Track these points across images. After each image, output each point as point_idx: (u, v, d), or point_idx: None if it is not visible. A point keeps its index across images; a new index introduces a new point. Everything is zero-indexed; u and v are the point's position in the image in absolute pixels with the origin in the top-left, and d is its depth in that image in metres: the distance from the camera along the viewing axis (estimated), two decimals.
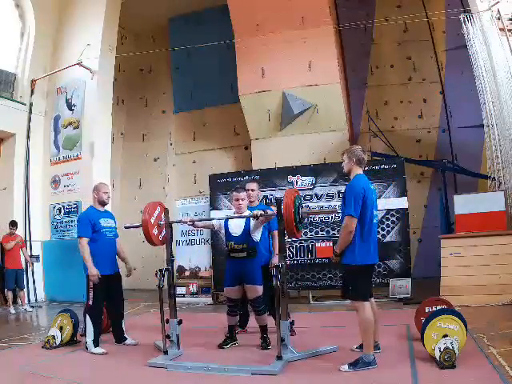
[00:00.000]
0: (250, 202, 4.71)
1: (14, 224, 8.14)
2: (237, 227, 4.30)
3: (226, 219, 4.43)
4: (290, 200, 3.78)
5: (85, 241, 4.56)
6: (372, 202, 3.62)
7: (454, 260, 6.28)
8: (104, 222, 4.72)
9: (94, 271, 4.47)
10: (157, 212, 4.43)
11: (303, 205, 4.14)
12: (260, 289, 4.26)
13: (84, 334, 5.10)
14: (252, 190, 4.78)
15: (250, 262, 4.24)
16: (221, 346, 4.34)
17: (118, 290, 4.84)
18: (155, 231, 4.36)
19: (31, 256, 8.76)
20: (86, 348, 4.43)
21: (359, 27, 9.66)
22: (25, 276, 8.40)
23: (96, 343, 4.44)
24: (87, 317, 4.50)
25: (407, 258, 7.29)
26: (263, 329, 4.33)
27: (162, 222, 4.41)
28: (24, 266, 8.24)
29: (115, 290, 4.78)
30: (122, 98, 12.26)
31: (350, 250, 3.57)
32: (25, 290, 8.32)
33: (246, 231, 4.25)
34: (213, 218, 5.03)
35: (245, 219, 4.27)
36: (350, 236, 3.53)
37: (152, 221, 4.33)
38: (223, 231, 4.43)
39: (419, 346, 3.75)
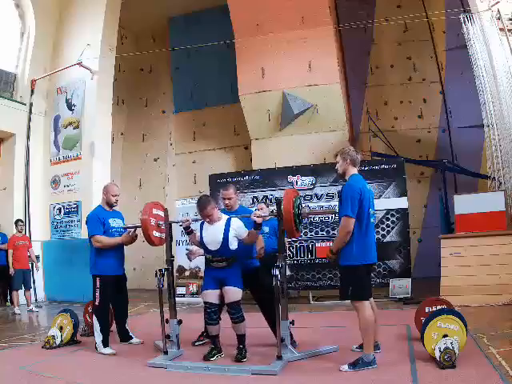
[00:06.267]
0: (228, 209, 4.35)
1: (20, 220, 8.23)
2: (213, 242, 3.98)
3: (201, 230, 4.09)
4: (290, 200, 3.77)
5: (98, 237, 4.52)
6: (369, 202, 3.61)
7: (453, 260, 6.28)
8: (113, 222, 4.71)
9: (126, 238, 4.55)
10: (156, 212, 4.42)
11: (303, 205, 4.12)
12: (239, 292, 3.95)
13: (84, 335, 5.14)
14: (229, 199, 4.34)
15: (230, 268, 3.98)
16: (206, 358, 3.89)
17: (124, 291, 4.85)
18: (155, 231, 4.35)
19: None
20: (96, 348, 4.42)
21: (359, 27, 9.66)
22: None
23: (105, 343, 4.44)
24: (94, 317, 4.49)
25: (407, 258, 7.30)
26: (240, 339, 3.96)
27: (161, 223, 4.39)
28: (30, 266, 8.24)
29: (121, 290, 4.79)
30: (122, 98, 12.27)
31: (348, 250, 3.57)
32: (31, 290, 8.31)
33: (225, 244, 3.93)
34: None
35: (222, 232, 3.94)
36: (347, 236, 3.52)
37: (151, 221, 4.32)
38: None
39: (419, 346, 3.75)
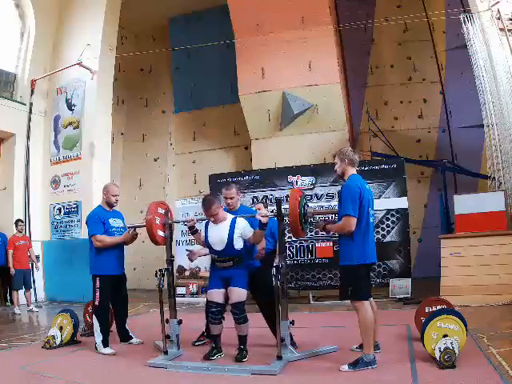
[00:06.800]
0: (230, 208, 4.32)
1: (21, 220, 8.24)
2: (218, 242, 3.99)
3: (206, 229, 4.10)
4: (295, 200, 3.77)
5: (99, 236, 4.52)
6: (368, 202, 3.61)
7: (454, 260, 6.28)
8: (113, 222, 4.71)
9: (126, 237, 4.56)
10: (161, 211, 4.41)
11: (307, 205, 4.11)
12: (243, 293, 3.93)
13: (84, 335, 5.14)
14: (231, 199, 4.29)
15: (236, 269, 3.99)
16: (207, 358, 3.93)
17: (124, 291, 4.85)
18: (159, 231, 4.33)
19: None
20: (96, 348, 4.41)
21: (359, 27, 9.66)
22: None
23: (105, 343, 4.43)
24: (94, 317, 4.49)
25: (407, 258, 7.29)
26: (241, 339, 3.97)
27: (168, 222, 4.38)
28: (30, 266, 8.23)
29: (121, 290, 4.79)
30: (122, 98, 12.26)
31: (348, 250, 3.57)
32: (31, 290, 8.31)
33: (230, 244, 3.95)
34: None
35: (227, 232, 3.96)
36: (347, 234, 3.53)
37: (157, 220, 4.31)
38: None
39: (419, 346, 3.75)
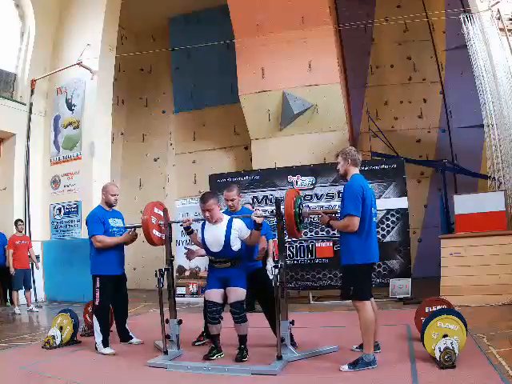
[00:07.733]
0: (232, 210, 4.31)
1: (20, 220, 8.25)
2: (215, 243, 3.96)
3: (202, 231, 4.07)
4: (290, 200, 3.77)
5: (99, 236, 4.51)
6: (371, 201, 3.61)
7: (454, 260, 6.28)
8: (113, 222, 4.70)
9: (126, 237, 4.56)
10: (158, 212, 4.41)
11: (303, 204, 4.11)
12: (242, 292, 3.92)
13: (84, 335, 5.14)
14: (232, 200, 4.29)
15: (234, 268, 3.98)
16: (207, 358, 3.91)
17: (124, 290, 4.85)
18: (155, 231, 4.34)
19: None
20: (96, 348, 4.41)
21: (359, 27, 9.66)
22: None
23: (105, 343, 4.43)
24: (94, 317, 4.48)
25: (407, 258, 7.30)
26: (241, 339, 3.95)
27: (162, 222, 4.39)
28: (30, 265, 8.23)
29: (121, 289, 4.79)
30: (122, 98, 12.28)
31: (350, 249, 3.57)
32: (31, 290, 8.32)
33: (227, 245, 3.91)
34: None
35: (224, 233, 3.91)
36: (349, 232, 3.54)
37: (153, 221, 4.32)
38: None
39: (419, 346, 3.75)
